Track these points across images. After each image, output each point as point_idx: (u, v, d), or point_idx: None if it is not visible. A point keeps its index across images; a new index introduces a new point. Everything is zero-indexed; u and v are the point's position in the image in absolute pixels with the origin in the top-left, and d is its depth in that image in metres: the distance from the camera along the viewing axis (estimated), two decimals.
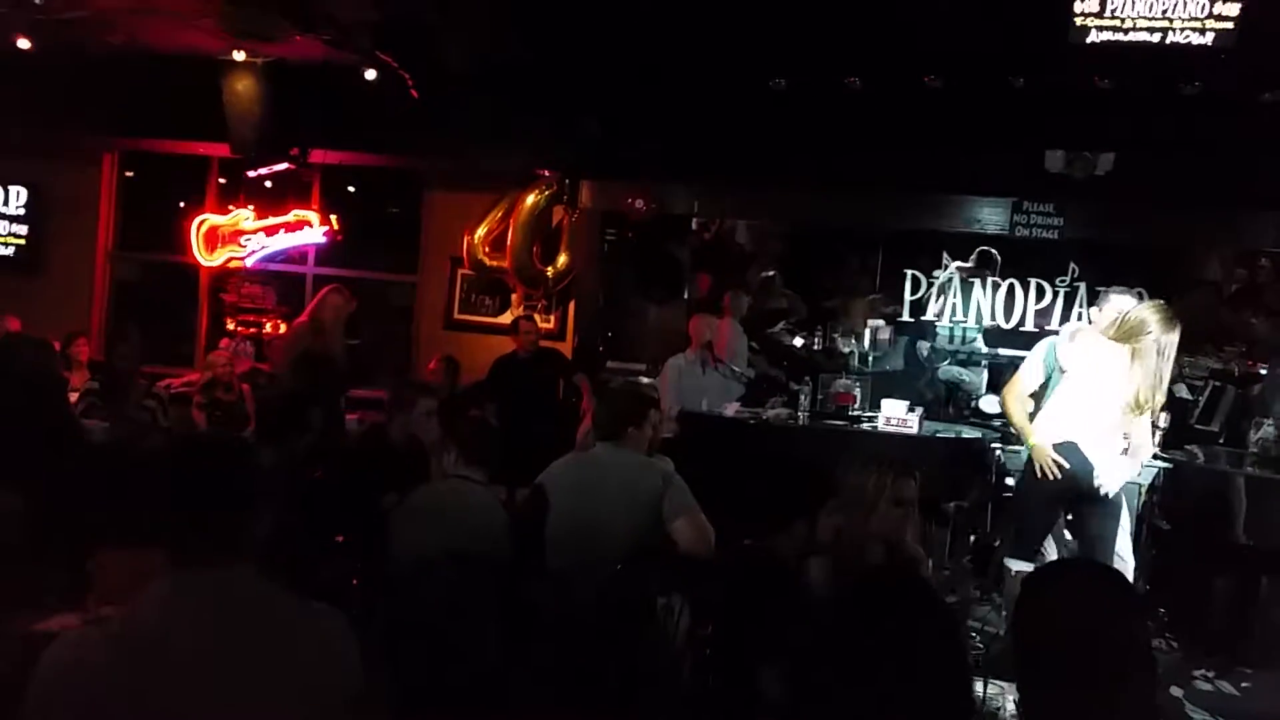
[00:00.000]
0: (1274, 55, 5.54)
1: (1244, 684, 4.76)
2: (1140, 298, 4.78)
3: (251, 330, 8.33)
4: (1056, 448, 4.49)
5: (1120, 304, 4.58)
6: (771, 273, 8.32)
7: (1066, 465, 4.46)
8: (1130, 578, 4.54)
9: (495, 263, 7.34)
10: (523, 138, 6.86)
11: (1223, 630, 5.10)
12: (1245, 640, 5.02)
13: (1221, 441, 6.16)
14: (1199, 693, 4.64)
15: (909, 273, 7.83)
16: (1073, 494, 4.55)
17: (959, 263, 7.22)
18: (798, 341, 7.82)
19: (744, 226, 9.09)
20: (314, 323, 5.75)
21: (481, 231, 7.34)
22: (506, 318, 7.63)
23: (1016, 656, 1.52)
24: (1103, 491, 4.45)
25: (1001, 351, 7.28)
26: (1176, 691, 4.49)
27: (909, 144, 6.63)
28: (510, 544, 3.49)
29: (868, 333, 7.76)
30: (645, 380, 4.65)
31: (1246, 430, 5.59)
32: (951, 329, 7.49)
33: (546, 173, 7.24)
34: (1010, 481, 5.78)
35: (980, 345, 7.40)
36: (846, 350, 7.61)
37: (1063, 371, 4.60)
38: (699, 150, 6.94)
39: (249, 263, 8.10)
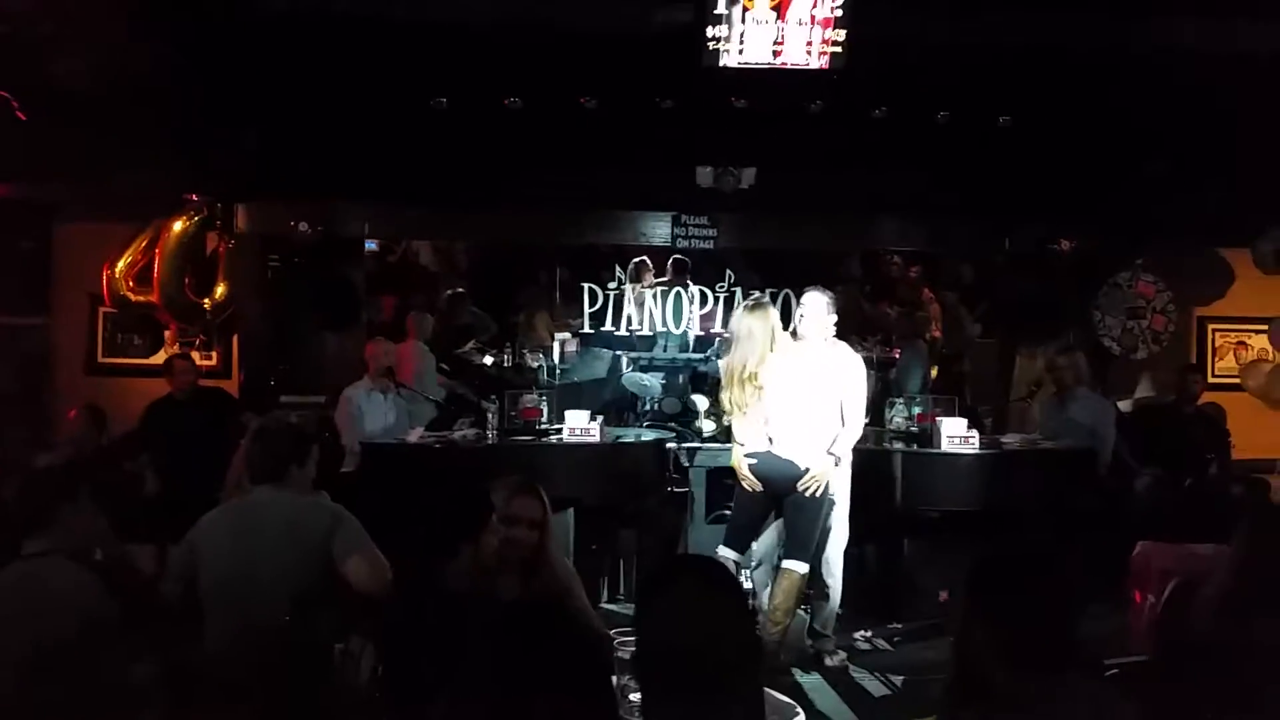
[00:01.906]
0: (879, 76, 6.24)
1: (895, 639, 5.33)
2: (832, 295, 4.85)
3: None
4: (754, 460, 4.64)
5: (813, 302, 4.73)
6: (460, 290, 8.23)
7: (760, 487, 4.66)
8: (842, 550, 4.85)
9: (141, 297, 6.66)
10: (164, 159, 6.27)
11: (876, 592, 5.68)
12: (894, 598, 5.63)
13: (867, 421, 6.88)
14: (859, 653, 5.12)
15: (586, 286, 8.08)
16: (778, 494, 4.69)
17: (626, 275, 7.67)
18: (488, 359, 7.80)
19: (428, 246, 8.93)
20: None
21: (123, 264, 6.63)
22: (160, 357, 6.95)
23: (636, 656, 1.56)
24: (808, 493, 4.57)
25: (677, 355, 7.72)
26: (840, 658, 4.92)
27: (575, 163, 6.81)
28: (115, 621, 2.78)
29: (556, 346, 7.90)
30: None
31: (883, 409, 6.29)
32: (630, 337, 7.82)
33: (195, 196, 6.68)
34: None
35: (658, 351, 7.78)
36: (535, 365, 7.70)
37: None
38: (365, 169, 6.70)
39: None
